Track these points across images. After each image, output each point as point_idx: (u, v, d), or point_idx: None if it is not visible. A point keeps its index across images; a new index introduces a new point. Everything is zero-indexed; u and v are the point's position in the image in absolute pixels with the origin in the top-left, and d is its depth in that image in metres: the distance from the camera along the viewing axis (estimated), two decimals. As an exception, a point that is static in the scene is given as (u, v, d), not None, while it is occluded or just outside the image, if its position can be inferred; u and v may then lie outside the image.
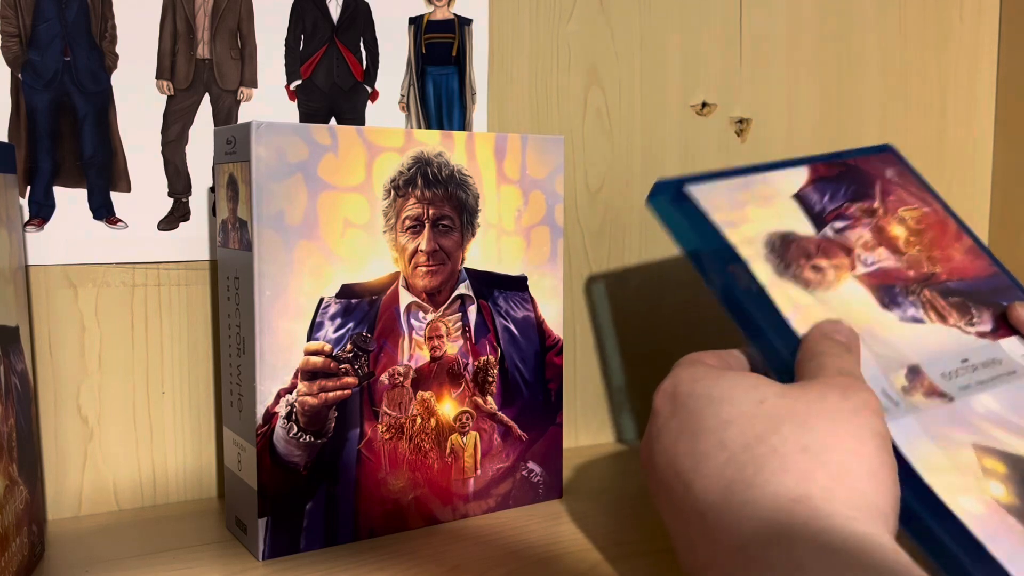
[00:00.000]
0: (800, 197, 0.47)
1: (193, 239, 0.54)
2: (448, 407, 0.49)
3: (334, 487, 0.47)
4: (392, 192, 0.47)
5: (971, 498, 0.37)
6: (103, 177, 0.51)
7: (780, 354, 0.41)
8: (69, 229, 0.51)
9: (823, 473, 0.32)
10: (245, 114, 0.54)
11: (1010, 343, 0.46)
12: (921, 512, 0.36)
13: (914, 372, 0.42)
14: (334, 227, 0.45)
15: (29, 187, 0.50)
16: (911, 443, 0.38)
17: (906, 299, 0.45)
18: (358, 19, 0.57)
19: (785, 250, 0.44)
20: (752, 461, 0.33)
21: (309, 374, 0.45)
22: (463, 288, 0.49)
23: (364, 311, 0.46)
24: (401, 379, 0.48)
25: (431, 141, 0.48)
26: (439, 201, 0.48)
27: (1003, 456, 0.39)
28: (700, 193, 0.44)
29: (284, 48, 0.55)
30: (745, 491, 0.32)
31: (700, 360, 0.40)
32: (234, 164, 0.45)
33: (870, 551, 0.29)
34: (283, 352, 0.44)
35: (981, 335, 0.46)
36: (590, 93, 0.65)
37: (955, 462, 0.38)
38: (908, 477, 0.36)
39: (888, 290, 0.45)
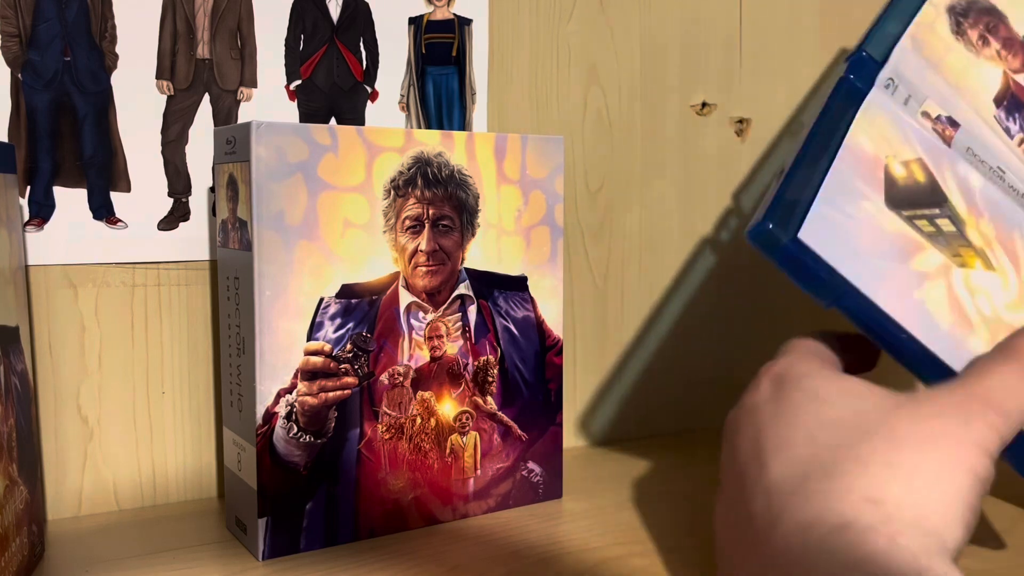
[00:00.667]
0: None
1: (193, 239, 0.54)
2: (448, 407, 0.49)
3: (334, 487, 0.47)
4: (392, 192, 0.47)
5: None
6: (103, 177, 0.51)
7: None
8: (69, 229, 0.51)
9: (903, 485, 0.32)
10: (245, 114, 0.54)
11: None
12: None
13: (949, 121, 0.43)
14: (334, 227, 0.45)
15: (29, 187, 0.50)
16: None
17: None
18: (358, 19, 0.57)
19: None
20: (834, 461, 0.33)
21: (309, 374, 0.45)
22: (463, 288, 0.49)
23: (364, 311, 0.46)
24: (401, 379, 0.48)
25: (431, 141, 0.48)
26: (439, 201, 0.48)
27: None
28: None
29: (284, 48, 0.55)
30: (820, 480, 0.32)
31: (815, 352, 0.40)
32: (234, 164, 0.45)
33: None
34: (283, 352, 0.44)
35: None
36: (590, 93, 0.65)
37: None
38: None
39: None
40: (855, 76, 0.47)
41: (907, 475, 0.32)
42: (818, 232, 0.40)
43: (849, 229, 0.41)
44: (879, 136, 0.45)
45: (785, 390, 0.37)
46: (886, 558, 0.29)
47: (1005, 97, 0.49)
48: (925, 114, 0.47)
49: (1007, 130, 0.49)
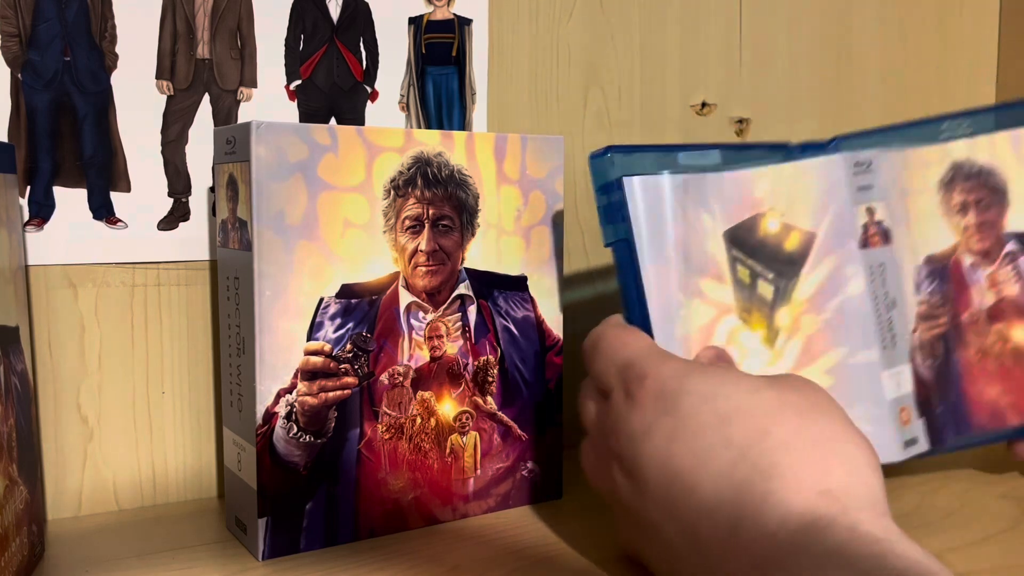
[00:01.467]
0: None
1: (193, 239, 0.54)
2: (448, 407, 0.49)
3: (334, 487, 0.47)
4: (392, 192, 0.47)
5: None
6: (103, 177, 0.51)
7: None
8: (69, 229, 0.51)
9: (839, 467, 0.32)
10: (245, 114, 0.54)
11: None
12: None
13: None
14: (334, 227, 0.45)
15: (29, 187, 0.50)
16: None
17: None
18: (358, 19, 0.57)
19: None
20: (764, 455, 0.32)
21: (309, 374, 0.45)
22: (463, 288, 0.49)
23: (364, 311, 0.46)
24: (401, 379, 0.48)
25: (431, 141, 0.48)
26: (439, 201, 0.48)
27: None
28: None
29: (284, 48, 0.55)
30: (764, 483, 0.32)
31: (655, 349, 0.40)
32: (234, 164, 0.45)
33: (893, 557, 0.29)
34: (283, 352, 0.44)
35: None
36: (590, 93, 0.65)
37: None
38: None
39: None
40: (836, 142, 0.49)
41: (836, 456, 0.33)
42: (646, 191, 0.44)
43: (668, 213, 0.44)
44: (787, 192, 0.47)
45: (671, 400, 0.36)
46: (854, 546, 0.29)
47: (939, 262, 0.51)
48: (870, 210, 0.49)
49: (918, 285, 0.50)
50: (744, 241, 0.46)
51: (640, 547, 0.40)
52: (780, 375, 0.38)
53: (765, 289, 0.46)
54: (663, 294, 0.44)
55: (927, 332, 0.49)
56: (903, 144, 0.51)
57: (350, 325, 0.46)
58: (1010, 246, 0.52)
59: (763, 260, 0.46)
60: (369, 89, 0.57)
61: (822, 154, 0.48)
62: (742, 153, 0.47)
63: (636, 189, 0.44)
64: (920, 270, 0.50)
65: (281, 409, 0.45)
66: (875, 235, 0.48)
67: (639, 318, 0.44)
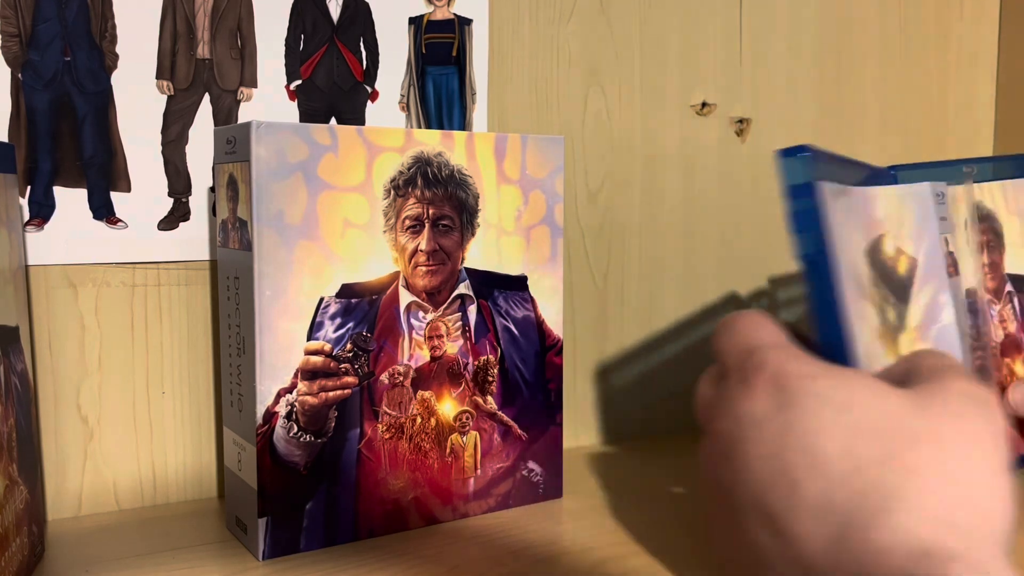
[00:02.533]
0: None
1: (193, 239, 0.54)
2: (448, 407, 0.49)
3: (334, 487, 0.47)
4: (392, 192, 0.47)
5: None
6: (103, 177, 0.51)
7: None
8: (69, 229, 0.51)
9: (968, 505, 0.31)
10: (245, 114, 0.54)
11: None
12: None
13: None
14: (334, 227, 0.45)
15: (29, 187, 0.50)
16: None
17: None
18: (358, 19, 0.57)
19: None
20: (888, 475, 0.31)
21: (309, 374, 0.45)
22: (463, 288, 0.49)
23: (364, 311, 0.46)
24: (401, 379, 0.48)
25: (431, 141, 0.48)
26: (439, 201, 0.48)
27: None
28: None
29: (284, 48, 0.55)
30: (883, 501, 0.31)
31: (787, 345, 0.37)
32: (234, 164, 0.45)
33: None
34: (283, 352, 0.44)
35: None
36: (590, 93, 0.65)
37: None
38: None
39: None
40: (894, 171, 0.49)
41: (968, 487, 0.31)
42: (833, 200, 0.40)
43: (843, 225, 0.41)
44: (897, 215, 0.46)
45: (791, 397, 0.34)
46: None
47: (972, 296, 0.52)
48: (945, 240, 0.49)
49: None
50: (874, 261, 0.44)
51: (722, 540, 0.39)
52: (948, 385, 0.35)
53: (891, 313, 0.44)
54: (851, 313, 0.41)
55: (973, 363, 0.50)
56: (939, 180, 0.52)
57: (350, 325, 0.46)
58: (1008, 286, 0.55)
59: (886, 283, 0.44)
60: (369, 89, 0.57)
61: (906, 181, 0.49)
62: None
63: (827, 196, 0.40)
64: (963, 303, 0.51)
65: (281, 409, 0.45)
66: (951, 265, 0.49)
67: (836, 338, 0.39)
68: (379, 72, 0.58)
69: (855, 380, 0.34)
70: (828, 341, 0.38)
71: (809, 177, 0.39)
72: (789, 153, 0.39)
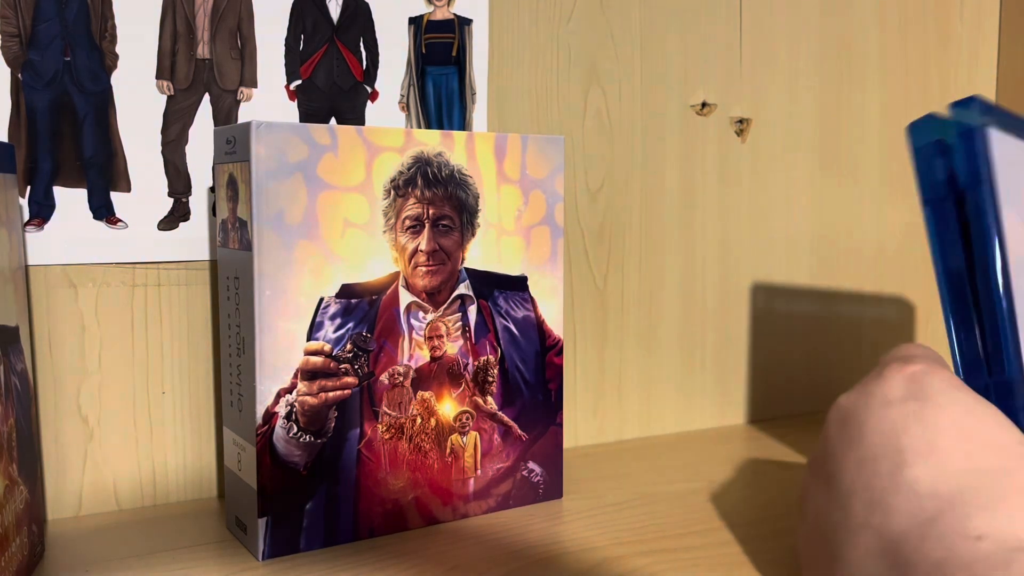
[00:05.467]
0: None
1: (193, 239, 0.54)
2: (448, 407, 0.49)
3: (334, 487, 0.47)
4: (392, 192, 0.47)
5: None
6: (103, 177, 0.51)
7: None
8: (69, 229, 0.51)
9: None
10: (245, 114, 0.54)
11: None
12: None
13: None
14: (334, 227, 0.45)
15: (29, 187, 0.50)
16: None
17: None
18: (358, 19, 0.57)
19: None
20: (996, 486, 0.33)
21: (309, 374, 0.45)
22: (463, 288, 0.49)
23: (364, 311, 0.46)
24: (401, 379, 0.48)
25: (431, 141, 0.48)
26: (439, 201, 0.48)
27: None
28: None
29: (284, 48, 0.55)
30: (986, 500, 0.32)
31: (941, 362, 0.40)
32: (234, 164, 0.45)
33: None
34: (283, 352, 0.44)
35: None
36: (590, 93, 0.65)
37: None
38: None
39: None
40: None
41: None
42: (1004, 151, 0.40)
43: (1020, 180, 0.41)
44: None
45: (925, 393, 0.37)
46: None
47: None
48: None
49: None
50: None
51: (809, 496, 0.41)
52: None
53: None
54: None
55: None
56: None
57: (350, 325, 0.46)
58: None
59: None
60: (369, 89, 0.57)
61: None
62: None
63: (998, 145, 0.40)
64: None
65: (281, 409, 0.45)
66: None
67: (997, 267, 0.39)
68: (379, 72, 0.58)
69: (984, 403, 0.37)
70: (991, 271, 0.39)
71: (979, 122, 0.39)
72: (960, 104, 0.39)
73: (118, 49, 0.51)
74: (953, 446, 0.35)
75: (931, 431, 0.35)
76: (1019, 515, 0.32)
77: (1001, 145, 0.40)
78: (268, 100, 0.55)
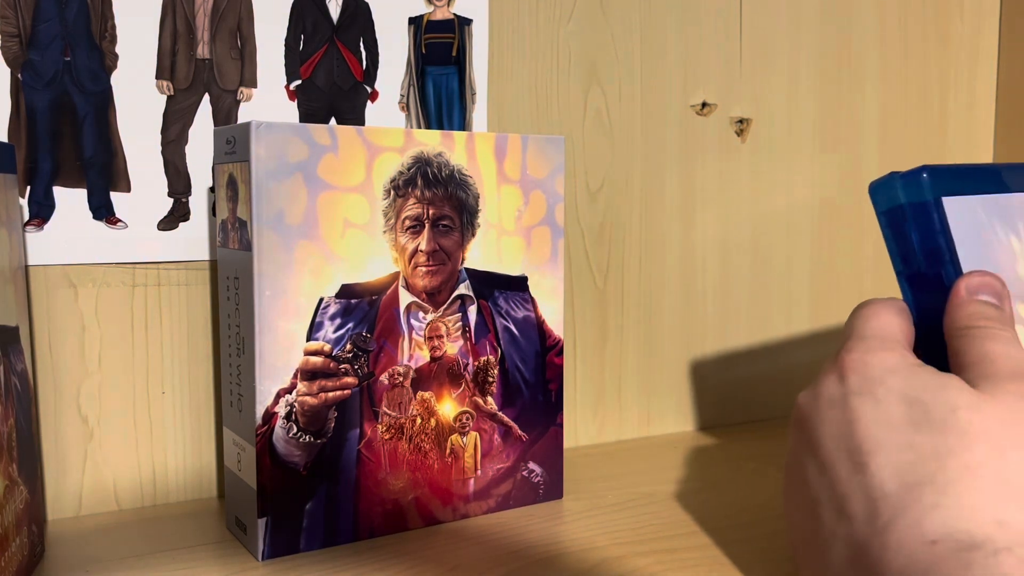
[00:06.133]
0: None
1: (193, 239, 0.54)
2: (448, 407, 0.49)
3: (334, 487, 0.47)
4: (392, 192, 0.47)
5: None
6: (103, 177, 0.51)
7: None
8: (69, 229, 0.51)
9: (1019, 511, 0.32)
10: (245, 114, 0.54)
11: None
12: None
13: None
14: (334, 227, 0.45)
15: (29, 187, 0.50)
16: None
17: None
18: (358, 19, 0.57)
19: None
20: (943, 471, 0.33)
21: (309, 374, 0.45)
22: (463, 288, 0.49)
23: (364, 311, 0.46)
24: (401, 379, 0.48)
25: (431, 141, 0.48)
26: (439, 201, 0.48)
27: None
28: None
29: (284, 48, 0.55)
30: (936, 496, 0.32)
31: (893, 332, 0.39)
32: (234, 164, 0.45)
33: None
34: (283, 352, 0.44)
35: None
36: (590, 93, 0.65)
37: None
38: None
39: None
40: None
41: (1021, 489, 0.32)
42: (961, 214, 0.40)
43: (984, 238, 0.40)
44: None
45: (870, 385, 0.36)
46: None
47: None
48: None
49: None
50: None
51: (787, 504, 0.41)
52: (1011, 387, 0.35)
53: None
54: None
55: None
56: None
57: (350, 325, 0.46)
58: None
59: None
60: (369, 89, 0.57)
61: None
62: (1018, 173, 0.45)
63: (954, 211, 0.40)
64: None
65: (281, 409, 0.45)
66: None
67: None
68: (379, 72, 0.58)
69: (928, 375, 0.36)
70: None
71: (930, 196, 0.39)
72: (907, 176, 0.40)
73: (118, 49, 0.51)
74: (896, 438, 0.34)
75: (876, 426, 0.35)
76: (968, 504, 0.31)
77: (958, 210, 0.40)
78: (268, 100, 0.55)
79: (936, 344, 0.40)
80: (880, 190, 0.42)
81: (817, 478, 0.36)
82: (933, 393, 0.35)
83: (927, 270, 0.40)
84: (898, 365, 0.37)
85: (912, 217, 0.40)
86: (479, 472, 0.51)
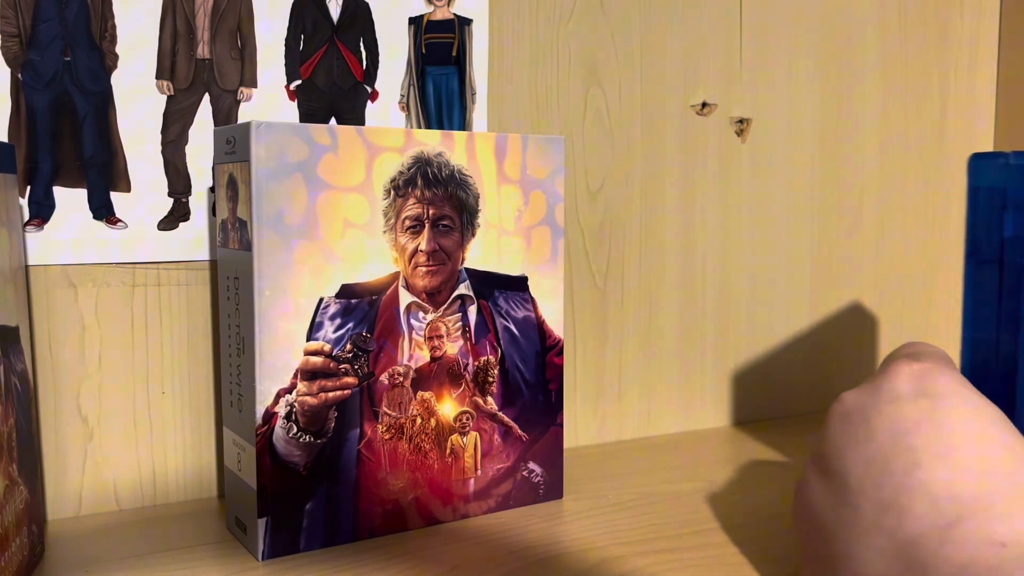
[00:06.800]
0: None
1: (193, 239, 0.54)
2: (448, 407, 0.49)
3: (334, 487, 0.47)
4: (392, 192, 0.47)
5: None
6: (103, 177, 0.51)
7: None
8: (69, 229, 0.51)
9: None
10: (245, 114, 0.54)
11: None
12: None
13: None
14: (334, 227, 0.45)
15: (29, 187, 0.50)
16: None
17: None
18: (358, 19, 0.57)
19: None
20: (1011, 490, 0.33)
21: (309, 374, 0.45)
22: (463, 288, 0.49)
23: (364, 311, 0.46)
24: (401, 379, 0.48)
25: (431, 141, 0.48)
26: (439, 201, 0.48)
27: None
28: None
29: (284, 48, 0.55)
30: (1007, 506, 0.33)
31: (949, 362, 0.40)
32: (234, 164, 0.45)
33: None
34: (283, 352, 0.44)
35: None
36: (590, 93, 0.65)
37: None
38: None
39: None
40: None
41: None
42: None
43: None
44: None
45: (938, 393, 0.37)
46: None
47: None
48: None
49: None
50: None
51: (811, 489, 0.41)
52: None
53: None
54: None
55: None
56: None
57: (350, 325, 0.46)
58: None
59: None
60: (369, 89, 0.57)
61: None
62: None
63: None
64: None
65: (281, 409, 0.45)
66: None
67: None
68: (379, 72, 0.58)
69: (993, 407, 0.36)
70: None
71: None
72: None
73: (118, 49, 0.51)
74: (967, 448, 0.35)
75: (943, 431, 0.35)
76: (1016, 514, 0.32)
77: None
78: (268, 100, 0.55)
79: (986, 336, 0.39)
80: (982, 165, 0.39)
81: (863, 469, 0.36)
82: (1002, 423, 0.36)
83: (1009, 259, 0.38)
84: (964, 387, 0.37)
85: (1012, 203, 0.39)
86: (479, 472, 0.51)
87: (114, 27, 0.51)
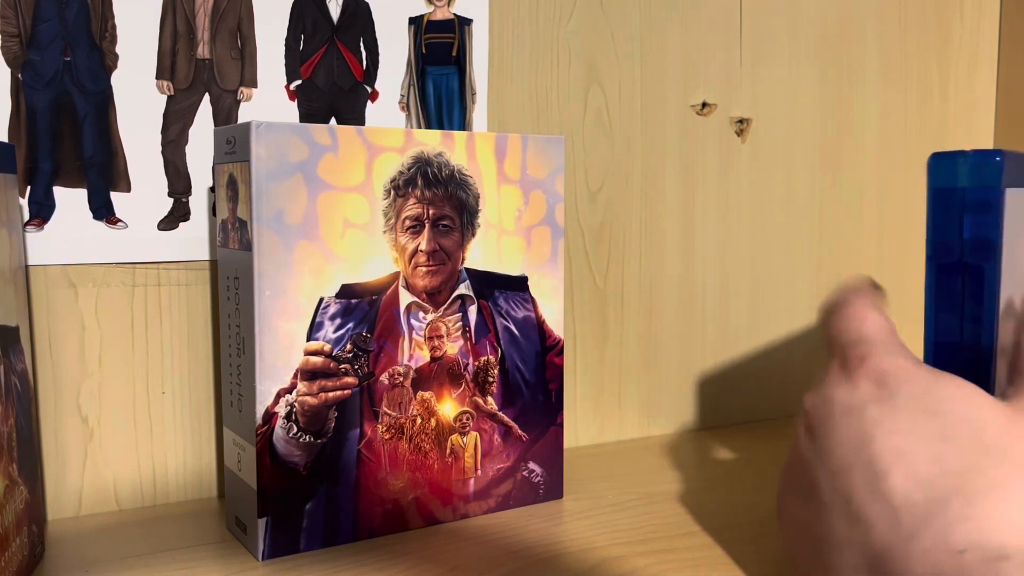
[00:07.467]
0: None
1: (193, 239, 0.54)
2: (448, 407, 0.49)
3: (334, 487, 0.47)
4: (392, 192, 0.47)
5: None
6: (103, 177, 0.51)
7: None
8: (69, 229, 0.51)
9: None
10: (245, 114, 0.54)
11: None
12: None
13: None
14: (334, 227, 0.45)
15: (29, 187, 0.50)
16: None
17: None
18: (358, 19, 0.57)
19: None
20: (969, 485, 0.32)
21: (309, 374, 0.45)
22: (463, 288, 0.49)
23: (364, 311, 0.46)
24: (401, 379, 0.48)
25: (431, 141, 0.48)
26: (439, 201, 0.48)
27: None
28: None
29: (284, 48, 0.55)
30: (963, 507, 0.32)
31: (896, 340, 0.38)
32: (234, 164, 0.45)
33: None
34: (283, 352, 0.44)
35: None
36: (590, 93, 0.65)
37: None
38: None
39: None
40: None
41: None
42: (1012, 206, 0.37)
43: (1018, 232, 0.38)
44: None
45: (889, 393, 0.35)
46: None
47: None
48: None
49: None
50: None
51: (786, 507, 0.40)
52: None
53: None
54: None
55: None
56: None
57: (350, 325, 0.46)
58: None
59: None
60: (369, 89, 0.57)
61: None
62: None
63: (1010, 203, 0.37)
64: None
65: (281, 409, 0.45)
66: None
67: (988, 338, 0.37)
68: (379, 72, 0.58)
69: (952, 387, 0.35)
70: (983, 339, 0.37)
71: (998, 183, 0.36)
72: (980, 156, 0.36)
73: (118, 49, 0.51)
74: (921, 450, 0.34)
75: (897, 436, 0.34)
76: (997, 517, 0.31)
77: (1012, 203, 0.37)
78: (268, 100, 0.55)
79: (950, 340, 0.38)
80: (940, 164, 0.38)
81: (828, 483, 0.36)
82: (957, 405, 0.34)
83: (970, 260, 0.37)
84: (914, 373, 0.36)
85: (971, 204, 0.37)
86: (479, 472, 0.51)
87: (114, 27, 0.51)
